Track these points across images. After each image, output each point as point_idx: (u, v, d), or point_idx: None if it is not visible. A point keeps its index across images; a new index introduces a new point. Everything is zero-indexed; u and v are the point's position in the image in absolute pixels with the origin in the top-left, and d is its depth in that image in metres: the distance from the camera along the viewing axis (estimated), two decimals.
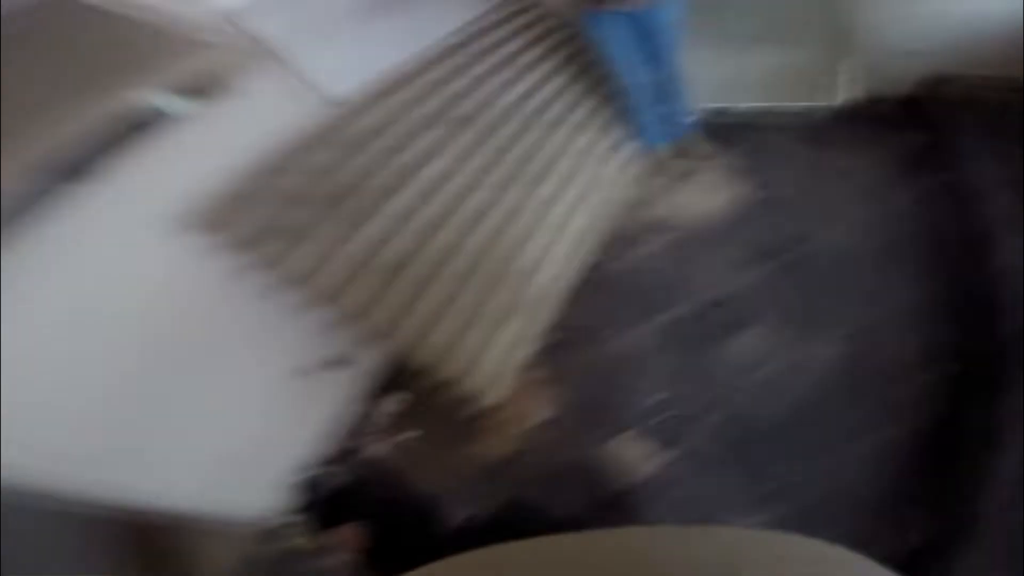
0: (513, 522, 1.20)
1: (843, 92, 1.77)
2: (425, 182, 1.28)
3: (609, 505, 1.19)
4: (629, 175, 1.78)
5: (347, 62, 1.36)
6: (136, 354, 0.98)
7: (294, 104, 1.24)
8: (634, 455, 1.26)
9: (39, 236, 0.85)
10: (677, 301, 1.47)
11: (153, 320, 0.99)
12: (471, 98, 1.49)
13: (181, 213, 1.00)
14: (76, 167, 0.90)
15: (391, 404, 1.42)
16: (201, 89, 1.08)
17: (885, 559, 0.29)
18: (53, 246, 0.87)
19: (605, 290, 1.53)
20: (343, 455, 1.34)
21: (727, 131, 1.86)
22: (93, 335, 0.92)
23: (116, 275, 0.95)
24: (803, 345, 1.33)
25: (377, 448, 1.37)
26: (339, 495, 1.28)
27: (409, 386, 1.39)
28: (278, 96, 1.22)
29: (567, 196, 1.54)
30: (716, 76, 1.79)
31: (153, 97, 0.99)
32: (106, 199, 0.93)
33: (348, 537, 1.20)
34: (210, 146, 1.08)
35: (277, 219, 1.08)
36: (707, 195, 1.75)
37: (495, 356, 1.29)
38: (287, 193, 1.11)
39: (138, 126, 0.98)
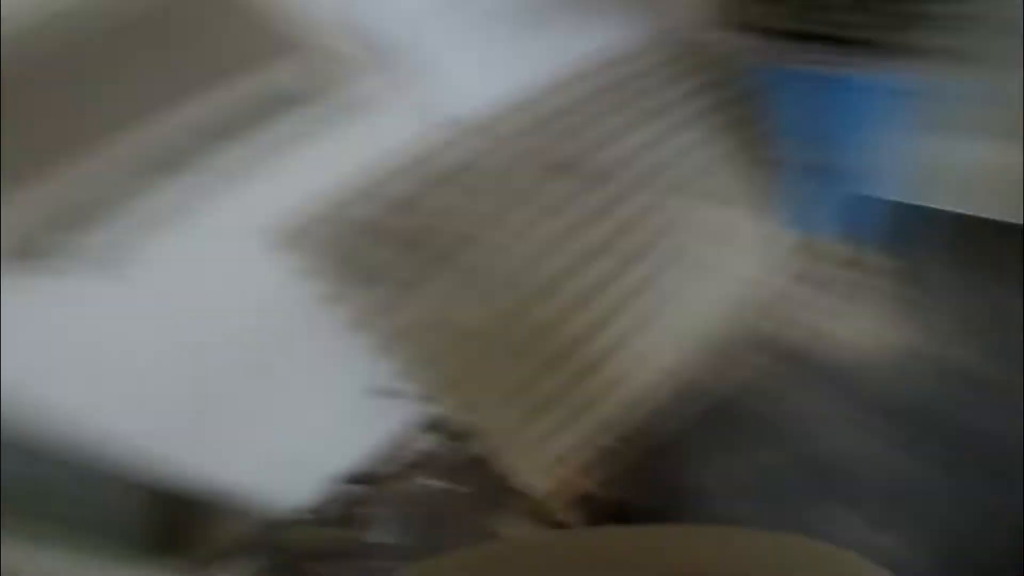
0: None
1: None
2: (507, 234, 1.17)
3: None
4: (758, 268, 1.49)
5: (468, 77, 1.23)
6: (218, 352, 1.05)
7: (405, 118, 1.15)
8: None
9: (149, 233, 0.91)
10: (771, 444, 1.23)
11: (237, 323, 1.06)
12: (582, 140, 1.32)
13: (270, 227, 1.00)
14: (182, 158, 0.90)
15: (429, 444, 1.40)
16: (313, 91, 1.03)
17: None
18: (160, 243, 0.92)
19: (691, 406, 1.31)
20: (370, 478, 1.36)
21: (899, 238, 1.44)
22: (186, 329, 1.00)
23: (211, 277, 1.00)
24: (891, 530, 1.05)
25: (401, 483, 1.36)
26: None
27: (452, 435, 1.34)
28: (389, 107, 1.13)
29: (673, 279, 1.32)
30: (905, 166, 1.40)
31: (266, 93, 0.95)
32: (205, 202, 0.96)
33: None
34: (311, 155, 1.04)
35: (351, 253, 1.04)
36: (847, 318, 1.41)
37: (538, 444, 1.18)
38: (368, 224, 1.06)
39: (249, 121, 0.95)
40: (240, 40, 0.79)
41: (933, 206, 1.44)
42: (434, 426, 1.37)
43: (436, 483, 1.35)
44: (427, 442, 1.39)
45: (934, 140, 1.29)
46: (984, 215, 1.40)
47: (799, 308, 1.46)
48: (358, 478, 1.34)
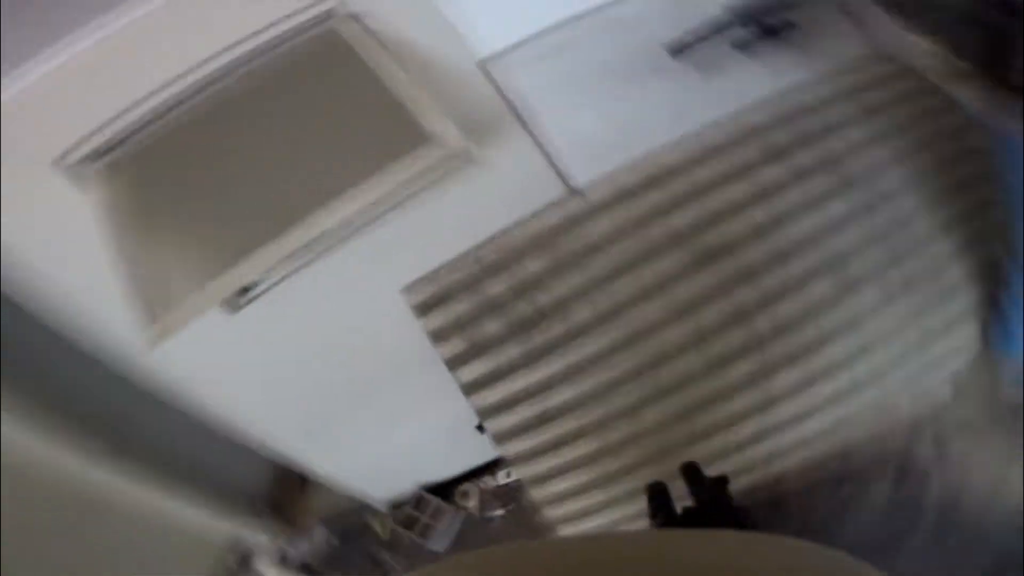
0: None
1: None
2: (633, 327, 1.06)
3: None
4: (935, 388, 1.20)
5: (598, 137, 1.11)
6: (351, 375, 1.21)
7: (532, 184, 1.09)
8: None
9: (309, 272, 1.03)
10: None
11: (370, 359, 1.20)
12: (743, 217, 1.10)
13: (408, 288, 1.06)
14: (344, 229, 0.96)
15: (503, 477, 1.46)
16: (452, 172, 1.00)
17: None
18: (313, 281, 1.04)
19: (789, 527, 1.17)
20: (447, 494, 1.47)
21: None
22: (324, 346, 1.16)
23: (354, 320, 1.14)
24: None
25: (471, 505, 1.46)
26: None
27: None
28: (517, 171, 1.09)
29: (825, 389, 1.12)
30: None
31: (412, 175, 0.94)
32: (354, 252, 1.04)
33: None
34: (446, 219, 1.06)
35: (466, 324, 1.04)
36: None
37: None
38: (486, 299, 1.04)
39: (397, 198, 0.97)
40: (386, 131, 0.77)
41: None
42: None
43: (498, 515, 1.43)
44: (508, 478, 1.45)
45: None
46: None
47: (956, 433, 1.17)
48: (437, 491, 1.46)
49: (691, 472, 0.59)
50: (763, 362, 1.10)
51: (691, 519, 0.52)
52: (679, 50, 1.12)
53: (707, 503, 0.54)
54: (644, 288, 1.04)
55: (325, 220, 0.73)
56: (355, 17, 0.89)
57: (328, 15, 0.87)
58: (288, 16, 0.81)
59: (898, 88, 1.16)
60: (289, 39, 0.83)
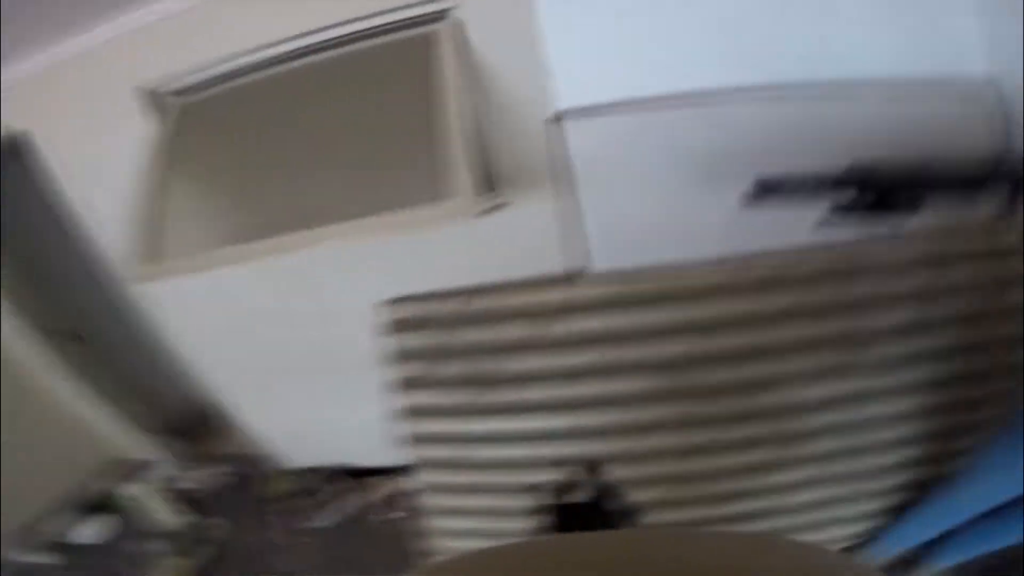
0: None
1: None
2: (576, 425, 1.08)
3: None
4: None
5: (636, 229, 1.06)
6: (310, 346, 1.24)
7: (553, 250, 1.07)
8: None
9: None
10: None
11: (333, 338, 1.21)
12: (728, 371, 1.03)
13: (387, 305, 1.07)
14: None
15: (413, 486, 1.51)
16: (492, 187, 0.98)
17: None
18: (306, 263, 1.03)
19: None
20: (347, 480, 1.52)
21: None
22: (295, 320, 1.20)
23: (331, 301, 1.15)
24: None
25: (373, 497, 1.50)
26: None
27: None
28: (543, 232, 1.06)
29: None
30: None
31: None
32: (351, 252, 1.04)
33: None
34: (457, 252, 1.06)
35: (430, 356, 1.05)
36: None
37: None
38: (459, 343, 1.04)
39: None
40: (417, 168, 0.75)
41: None
42: None
43: (394, 518, 1.46)
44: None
45: None
46: None
47: None
48: (340, 474, 1.49)
49: (592, 468, 0.61)
50: (672, 495, 1.14)
51: (584, 511, 0.55)
52: (765, 191, 0.91)
53: (600, 497, 0.57)
54: (603, 399, 1.06)
55: (331, 234, 0.71)
56: (453, 30, 0.84)
57: (427, 19, 0.82)
58: (393, 10, 0.76)
59: (983, 283, 0.95)
60: (383, 35, 0.78)
